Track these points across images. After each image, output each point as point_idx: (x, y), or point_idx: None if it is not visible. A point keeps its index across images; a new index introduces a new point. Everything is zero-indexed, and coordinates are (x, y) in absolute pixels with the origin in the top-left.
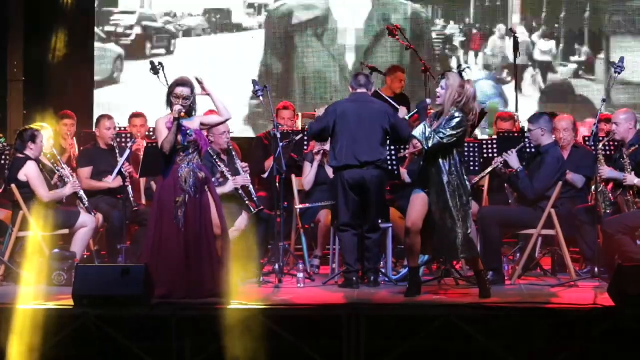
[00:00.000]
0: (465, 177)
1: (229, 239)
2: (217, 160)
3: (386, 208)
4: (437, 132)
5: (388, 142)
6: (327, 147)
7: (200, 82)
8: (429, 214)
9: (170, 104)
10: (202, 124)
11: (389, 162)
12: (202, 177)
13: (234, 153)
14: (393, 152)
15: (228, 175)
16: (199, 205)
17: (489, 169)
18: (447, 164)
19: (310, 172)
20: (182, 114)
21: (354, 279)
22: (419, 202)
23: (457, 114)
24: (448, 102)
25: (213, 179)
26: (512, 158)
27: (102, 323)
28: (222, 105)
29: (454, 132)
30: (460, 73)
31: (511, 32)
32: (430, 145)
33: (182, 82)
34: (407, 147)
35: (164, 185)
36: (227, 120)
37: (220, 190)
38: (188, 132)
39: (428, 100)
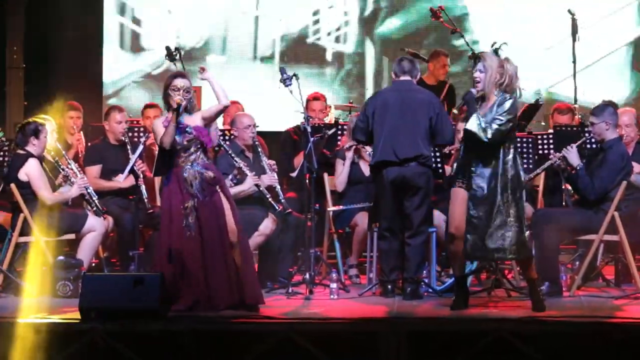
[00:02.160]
0: (521, 168)
1: (248, 246)
2: (233, 156)
3: (430, 211)
4: (492, 120)
5: None
6: None
7: (201, 68)
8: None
9: (167, 99)
10: (203, 119)
11: (434, 159)
12: (211, 177)
13: (260, 149)
14: (436, 148)
15: (246, 170)
16: (212, 208)
17: (545, 166)
18: (502, 152)
19: (342, 170)
20: (183, 104)
21: (389, 287)
22: (460, 202)
23: (507, 96)
24: (489, 85)
25: (230, 176)
26: (572, 154)
27: (112, 339)
28: (223, 91)
29: (510, 116)
30: (496, 51)
31: (569, 13)
32: (489, 136)
33: (181, 74)
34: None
35: (169, 191)
36: (225, 107)
37: (239, 189)
38: (187, 129)
39: (474, 90)
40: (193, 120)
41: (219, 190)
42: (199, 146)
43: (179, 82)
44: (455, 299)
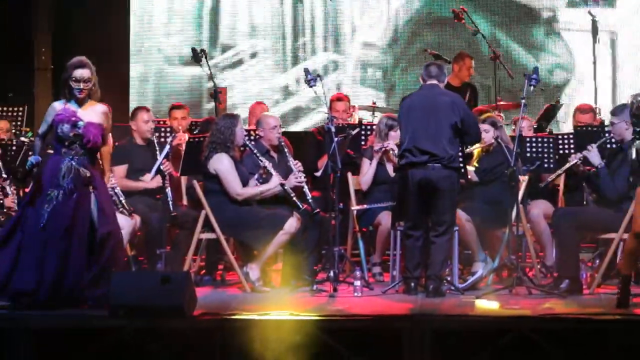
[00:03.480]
0: None
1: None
2: (258, 155)
3: (455, 210)
4: None
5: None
6: (390, 144)
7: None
8: None
9: (67, 88)
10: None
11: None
12: (86, 176)
13: (286, 150)
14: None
15: (272, 170)
16: (75, 206)
17: (567, 166)
18: None
19: (368, 170)
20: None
21: (412, 284)
22: None
23: None
24: None
25: (256, 175)
26: (593, 154)
27: (140, 336)
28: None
29: None
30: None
31: (590, 15)
32: None
33: (81, 64)
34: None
35: (42, 174)
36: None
37: (265, 188)
38: (78, 123)
39: None
40: (91, 115)
41: (92, 191)
42: (82, 144)
43: (78, 74)
44: (621, 297)
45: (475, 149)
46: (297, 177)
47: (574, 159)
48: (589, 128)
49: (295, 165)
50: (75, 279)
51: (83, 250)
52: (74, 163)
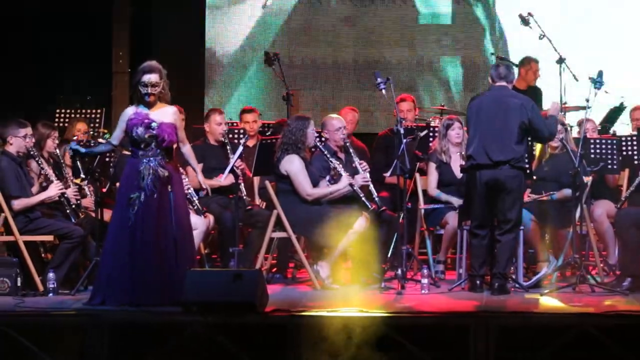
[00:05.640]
0: None
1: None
2: (329, 157)
3: (521, 210)
4: None
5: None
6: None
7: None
8: None
9: (137, 92)
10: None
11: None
12: (165, 176)
13: (351, 150)
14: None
15: (342, 171)
16: (158, 206)
17: (637, 182)
18: None
19: (429, 177)
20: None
21: (478, 282)
22: None
23: None
24: None
25: (327, 177)
26: None
27: (213, 331)
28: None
29: None
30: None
31: None
32: None
33: (150, 69)
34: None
35: (124, 179)
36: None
37: (335, 188)
38: (152, 125)
39: None
40: (162, 116)
41: (170, 189)
42: (158, 144)
43: (146, 78)
44: None
45: (538, 150)
46: (364, 176)
47: None
48: None
49: (361, 165)
50: (170, 278)
51: (170, 249)
52: (152, 164)
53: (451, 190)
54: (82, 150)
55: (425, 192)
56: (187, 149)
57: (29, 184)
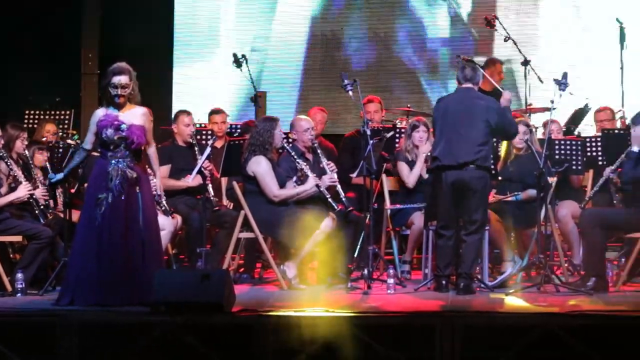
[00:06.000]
0: None
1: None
2: (296, 158)
3: (486, 211)
4: None
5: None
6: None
7: None
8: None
9: (107, 94)
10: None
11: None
12: (133, 177)
13: (319, 151)
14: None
15: (308, 172)
16: (124, 207)
17: (601, 182)
18: None
19: (414, 170)
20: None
21: (443, 282)
22: None
23: None
24: None
25: (294, 177)
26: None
27: (181, 331)
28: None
29: None
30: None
31: (617, 22)
32: None
33: (120, 70)
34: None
35: (92, 180)
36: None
37: (301, 189)
38: (121, 126)
39: None
40: (132, 117)
41: (138, 190)
42: (127, 145)
43: (116, 80)
44: None
45: (503, 151)
46: (331, 177)
47: (606, 174)
48: (616, 131)
49: (329, 166)
50: (138, 278)
51: (138, 249)
52: (120, 165)
53: (416, 189)
54: (62, 174)
55: (391, 192)
56: (152, 152)
57: None
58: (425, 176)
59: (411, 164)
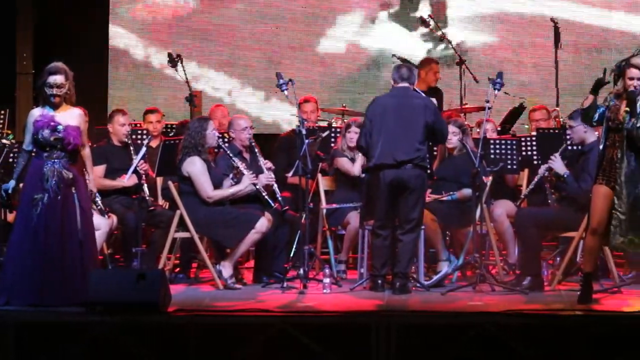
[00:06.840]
0: None
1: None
2: (232, 156)
3: (422, 210)
4: None
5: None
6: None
7: None
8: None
9: (43, 94)
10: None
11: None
12: (69, 178)
13: (256, 150)
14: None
15: (244, 170)
16: (60, 208)
17: (536, 180)
18: None
19: (358, 159)
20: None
21: (379, 282)
22: (602, 198)
23: None
24: None
25: (230, 175)
26: (557, 164)
27: (116, 331)
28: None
29: None
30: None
31: (552, 21)
32: None
33: (55, 70)
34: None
35: (28, 180)
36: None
37: (237, 188)
38: (57, 127)
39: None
40: (68, 118)
41: (74, 191)
42: (63, 146)
43: (52, 79)
44: (583, 293)
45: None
46: (268, 176)
47: (541, 172)
48: (551, 130)
49: (265, 164)
50: (74, 278)
51: (76, 250)
52: (56, 166)
53: (353, 189)
54: (13, 181)
55: (327, 192)
56: (86, 153)
57: None
58: (362, 175)
59: (351, 161)
